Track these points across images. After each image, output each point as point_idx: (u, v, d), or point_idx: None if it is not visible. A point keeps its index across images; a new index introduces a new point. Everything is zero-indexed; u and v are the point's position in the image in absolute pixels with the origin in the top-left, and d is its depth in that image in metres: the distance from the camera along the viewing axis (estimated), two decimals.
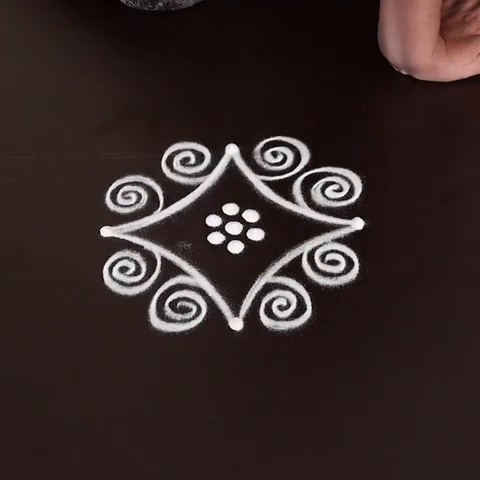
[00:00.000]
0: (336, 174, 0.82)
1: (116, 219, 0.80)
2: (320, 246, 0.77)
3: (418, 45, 0.86)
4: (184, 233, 0.79)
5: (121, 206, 0.82)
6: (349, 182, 0.82)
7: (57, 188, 0.84)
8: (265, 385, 0.68)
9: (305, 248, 0.77)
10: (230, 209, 0.80)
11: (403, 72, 0.90)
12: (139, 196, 0.82)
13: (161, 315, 0.73)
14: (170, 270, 0.76)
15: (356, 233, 0.78)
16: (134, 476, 0.65)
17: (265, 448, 0.65)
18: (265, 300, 0.73)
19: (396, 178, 0.83)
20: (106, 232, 0.79)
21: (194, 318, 0.73)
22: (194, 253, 0.77)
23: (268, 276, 0.75)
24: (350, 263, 0.75)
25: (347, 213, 0.79)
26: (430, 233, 0.78)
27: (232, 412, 0.67)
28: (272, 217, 0.79)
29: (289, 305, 0.73)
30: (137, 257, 0.77)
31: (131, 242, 0.78)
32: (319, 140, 0.85)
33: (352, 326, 0.71)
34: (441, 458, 0.65)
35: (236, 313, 0.73)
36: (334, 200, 0.80)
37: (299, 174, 0.83)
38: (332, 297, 0.73)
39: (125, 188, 0.83)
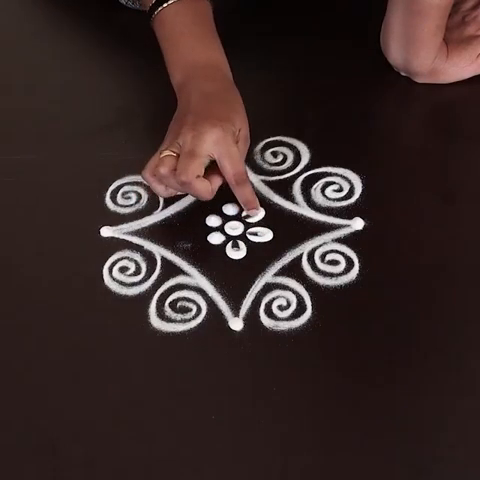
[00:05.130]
0: (336, 174, 0.82)
1: (116, 219, 0.80)
2: (320, 246, 0.77)
3: (422, 53, 0.86)
4: (184, 233, 0.79)
5: (121, 206, 0.82)
6: (349, 182, 0.82)
7: (57, 188, 0.84)
8: (265, 385, 0.68)
9: (305, 248, 0.77)
10: (230, 209, 0.80)
11: (403, 74, 0.90)
12: (139, 196, 0.82)
13: (161, 315, 0.73)
14: (170, 270, 0.76)
15: (356, 233, 0.78)
16: (134, 476, 0.65)
17: (265, 448, 0.65)
18: (265, 300, 0.73)
19: (396, 178, 0.83)
20: (106, 232, 0.79)
21: (194, 318, 0.73)
22: (194, 253, 0.77)
23: (268, 276, 0.75)
24: (350, 263, 0.75)
25: (347, 213, 0.79)
26: (430, 233, 0.78)
27: (232, 412, 0.67)
28: (272, 217, 0.79)
29: (289, 305, 0.73)
30: (137, 257, 0.77)
31: (131, 242, 0.79)
32: (319, 140, 0.86)
33: (352, 326, 0.71)
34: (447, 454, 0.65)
35: (236, 313, 0.73)
36: (334, 200, 0.80)
37: (299, 174, 0.83)
38: (332, 297, 0.73)
39: (125, 188, 0.83)
